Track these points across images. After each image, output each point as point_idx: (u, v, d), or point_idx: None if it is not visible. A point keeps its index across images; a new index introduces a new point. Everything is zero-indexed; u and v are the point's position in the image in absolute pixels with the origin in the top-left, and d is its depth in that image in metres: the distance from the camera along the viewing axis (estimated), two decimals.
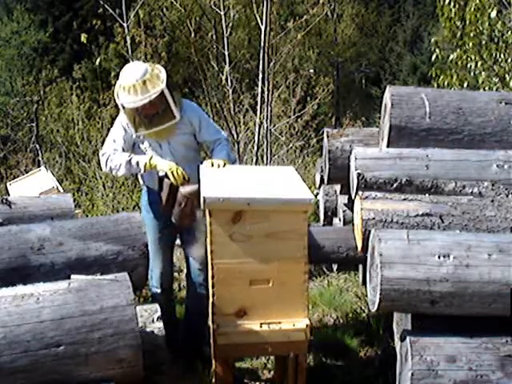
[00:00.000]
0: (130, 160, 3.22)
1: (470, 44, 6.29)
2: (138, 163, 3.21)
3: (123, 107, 3.17)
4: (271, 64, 7.82)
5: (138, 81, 3.08)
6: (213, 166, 3.10)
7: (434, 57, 6.88)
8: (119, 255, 2.77)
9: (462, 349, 2.31)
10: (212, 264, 2.52)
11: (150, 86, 3.08)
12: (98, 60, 8.81)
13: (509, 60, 6.12)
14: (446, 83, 6.59)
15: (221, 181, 2.85)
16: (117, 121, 3.36)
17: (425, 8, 22.71)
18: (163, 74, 3.14)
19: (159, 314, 2.64)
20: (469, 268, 2.33)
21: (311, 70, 11.36)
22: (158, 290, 3.44)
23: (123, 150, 3.27)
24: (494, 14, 5.96)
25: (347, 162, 3.22)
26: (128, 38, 7.64)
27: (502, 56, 6.17)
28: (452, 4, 6.36)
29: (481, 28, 6.14)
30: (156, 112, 3.14)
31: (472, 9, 6.11)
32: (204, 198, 2.47)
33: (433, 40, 7.03)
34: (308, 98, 11.32)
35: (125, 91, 3.11)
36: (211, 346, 2.66)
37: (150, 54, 7.83)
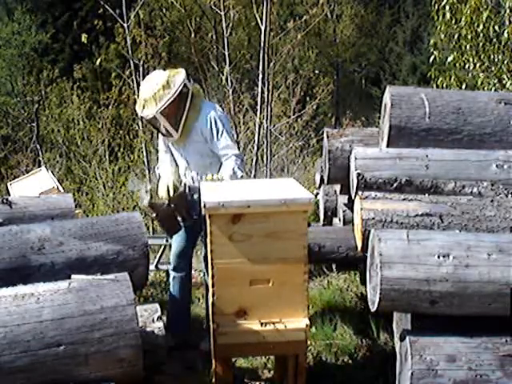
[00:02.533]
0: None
1: (468, 46, 6.30)
2: None
3: None
4: (271, 64, 7.83)
5: (141, 99, 3.37)
6: (212, 180, 3.19)
7: (432, 59, 6.88)
8: (119, 255, 2.77)
9: (461, 348, 2.31)
10: (212, 264, 2.52)
11: (148, 106, 3.33)
12: (99, 60, 8.81)
13: (505, 61, 6.12)
14: (444, 85, 6.60)
15: (220, 188, 2.87)
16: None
17: (424, 8, 22.67)
18: (166, 96, 3.29)
19: (159, 313, 2.64)
20: (468, 268, 2.33)
21: (316, 71, 11.39)
22: (172, 267, 3.62)
23: (169, 159, 3.63)
24: (485, 15, 5.97)
25: (347, 162, 3.22)
26: (128, 38, 7.64)
27: (499, 57, 6.18)
28: (447, 7, 6.37)
29: (478, 30, 6.14)
30: (160, 124, 3.41)
31: (468, 11, 6.12)
32: (204, 203, 2.48)
33: (431, 42, 7.04)
34: (308, 98, 11.33)
35: (139, 99, 3.44)
36: (210, 342, 2.67)
37: (151, 54, 7.83)
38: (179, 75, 3.37)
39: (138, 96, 3.52)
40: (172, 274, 3.63)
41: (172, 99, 3.30)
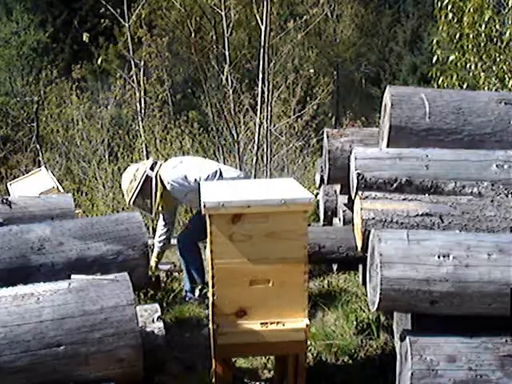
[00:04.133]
0: None
1: (470, 46, 6.29)
2: None
3: None
4: (271, 64, 7.83)
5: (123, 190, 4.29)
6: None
7: (435, 58, 6.86)
8: (119, 255, 2.78)
9: (461, 348, 2.31)
10: (212, 264, 2.52)
11: (126, 197, 4.24)
12: (100, 60, 8.82)
13: (507, 62, 6.12)
14: (445, 84, 6.59)
15: (221, 189, 2.87)
16: None
17: (425, 8, 22.68)
18: (131, 190, 4.11)
19: (159, 313, 2.64)
20: (468, 268, 2.33)
21: (311, 70, 11.38)
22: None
23: None
24: (487, 15, 5.97)
25: (347, 162, 3.21)
26: (129, 38, 7.65)
27: (500, 57, 6.17)
28: (449, 7, 6.36)
29: (480, 29, 6.14)
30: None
31: (470, 10, 6.12)
32: (204, 203, 2.47)
33: (434, 41, 7.02)
34: (308, 98, 11.33)
35: None
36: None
37: (155, 53, 7.85)
38: (142, 169, 4.13)
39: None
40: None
41: (137, 191, 4.11)
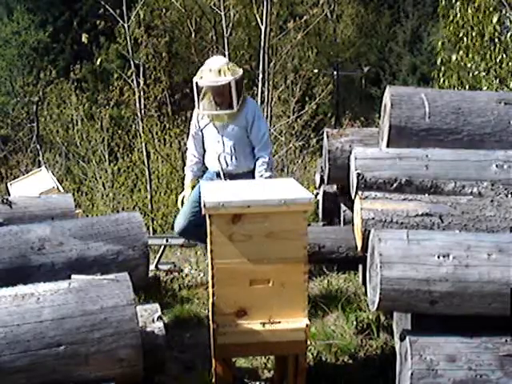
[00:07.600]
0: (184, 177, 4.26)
1: (474, 44, 6.27)
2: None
3: (197, 87, 3.86)
4: (271, 64, 7.83)
5: (215, 67, 3.78)
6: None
7: (439, 60, 6.82)
8: (119, 255, 2.77)
9: (461, 348, 2.31)
10: (212, 264, 2.52)
11: (223, 74, 3.75)
12: (99, 60, 8.83)
13: (509, 63, 6.10)
14: (447, 83, 6.58)
15: (221, 189, 2.87)
16: (192, 118, 4.07)
17: (424, 8, 22.73)
18: (237, 72, 3.80)
19: (159, 313, 2.64)
20: (468, 268, 2.33)
21: (315, 70, 11.39)
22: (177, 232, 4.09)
23: (196, 145, 4.05)
24: (495, 18, 5.97)
25: (347, 162, 3.22)
26: (128, 38, 7.65)
27: (504, 56, 6.15)
28: (458, 3, 6.33)
29: (485, 30, 6.13)
30: (222, 97, 3.79)
31: (477, 10, 6.11)
32: (204, 202, 2.48)
33: (439, 43, 6.99)
34: (307, 98, 11.33)
35: (204, 71, 3.83)
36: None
37: (152, 54, 7.84)
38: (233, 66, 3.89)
39: (204, 67, 3.85)
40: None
41: (241, 75, 3.81)
